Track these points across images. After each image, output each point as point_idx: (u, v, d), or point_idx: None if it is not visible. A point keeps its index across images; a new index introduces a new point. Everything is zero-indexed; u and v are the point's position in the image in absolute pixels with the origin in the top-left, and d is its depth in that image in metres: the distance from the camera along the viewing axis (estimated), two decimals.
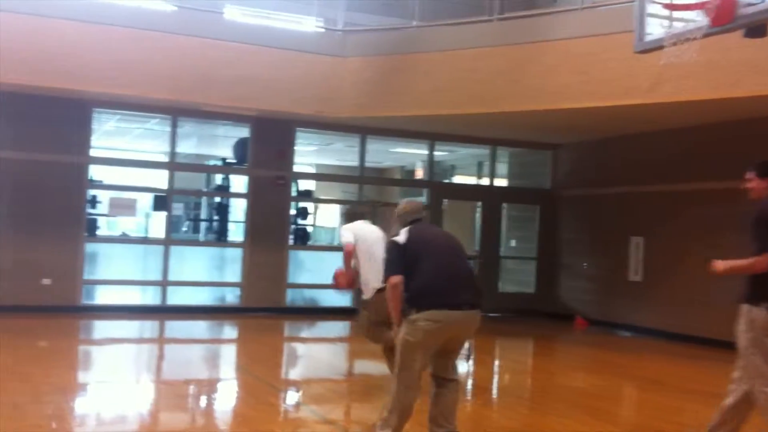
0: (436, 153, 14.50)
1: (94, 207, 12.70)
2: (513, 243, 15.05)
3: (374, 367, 9.09)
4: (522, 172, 15.34)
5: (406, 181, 18.20)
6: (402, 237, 4.95)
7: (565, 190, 14.03)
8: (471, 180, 16.77)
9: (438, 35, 11.37)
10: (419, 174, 17.05)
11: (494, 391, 8.16)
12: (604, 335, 12.09)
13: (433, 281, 4.76)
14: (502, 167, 15.20)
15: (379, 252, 6.44)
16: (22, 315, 10.61)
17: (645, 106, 9.60)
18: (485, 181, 14.94)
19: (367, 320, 6.83)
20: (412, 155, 16.93)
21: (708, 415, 4.85)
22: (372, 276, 6.61)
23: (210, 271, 13.33)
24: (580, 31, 9.80)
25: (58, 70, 10.23)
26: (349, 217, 7.65)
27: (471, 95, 10.82)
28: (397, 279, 4.78)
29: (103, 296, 12.66)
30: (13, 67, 9.87)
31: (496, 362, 10.20)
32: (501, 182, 15.16)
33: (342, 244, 7.04)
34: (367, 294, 6.76)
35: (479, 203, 14.58)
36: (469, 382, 7.87)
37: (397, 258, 4.88)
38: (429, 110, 11.33)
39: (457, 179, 17.42)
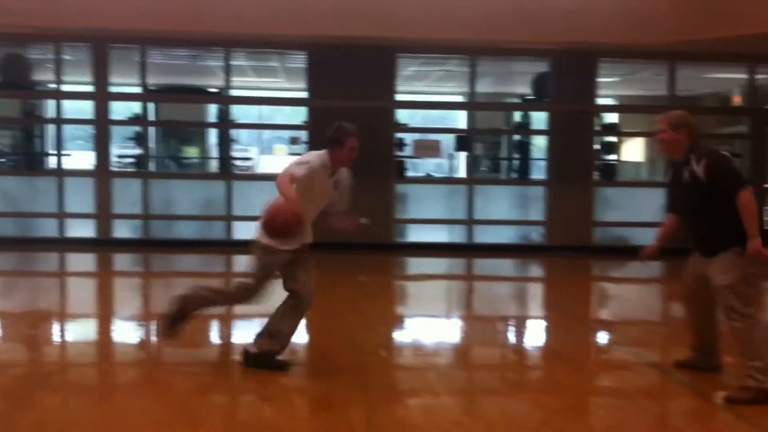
0: (758, 76, 13.04)
1: (401, 150, 13.21)
2: None
3: None
4: None
5: (723, 109, 16.64)
6: None
7: None
8: None
9: None
10: (737, 101, 15.51)
11: None
12: None
13: None
14: None
15: None
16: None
17: None
18: None
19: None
20: (728, 81, 15.41)
21: None
22: None
23: (513, 209, 13.33)
24: None
25: (366, 20, 10.66)
26: None
27: None
28: None
29: (414, 235, 13.19)
30: (326, 21, 10.51)
31: None
32: None
33: None
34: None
35: None
36: None
37: None
38: (753, 28, 10.14)
39: None
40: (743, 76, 13.00)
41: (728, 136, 13.51)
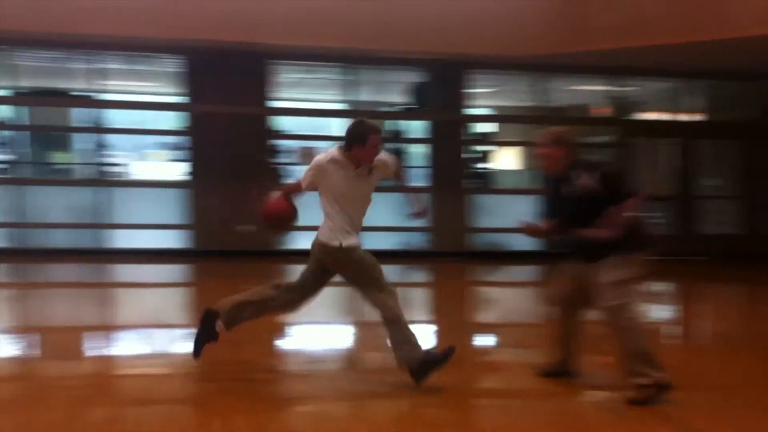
0: (621, 88, 13.82)
1: (277, 156, 13.09)
2: (711, 182, 14.16)
3: None
4: (722, 105, 14.28)
5: (590, 119, 17.47)
6: None
7: None
8: (662, 116, 15.83)
9: None
10: (603, 112, 16.31)
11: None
12: None
13: None
14: (698, 101, 14.27)
15: None
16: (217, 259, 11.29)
17: None
18: (679, 117, 14.14)
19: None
20: (594, 92, 16.21)
21: None
22: None
23: (395, 216, 13.49)
24: None
25: (238, 25, 10.57)
26: None
27: (663, 25, 10.17)
28: None
29: (297, 241, 13.06)
30: (200, 25, 10.37)
31: (701, 308, 9.69)
32: (696, 117, 14.27)
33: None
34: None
35: (672, 140, 13.86)
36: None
37: None
38: (616, 43, 10.74)
39: (647, 116, 16.51)
40: (611, 87, 13.74)
41: (596, 145, 14.18)
